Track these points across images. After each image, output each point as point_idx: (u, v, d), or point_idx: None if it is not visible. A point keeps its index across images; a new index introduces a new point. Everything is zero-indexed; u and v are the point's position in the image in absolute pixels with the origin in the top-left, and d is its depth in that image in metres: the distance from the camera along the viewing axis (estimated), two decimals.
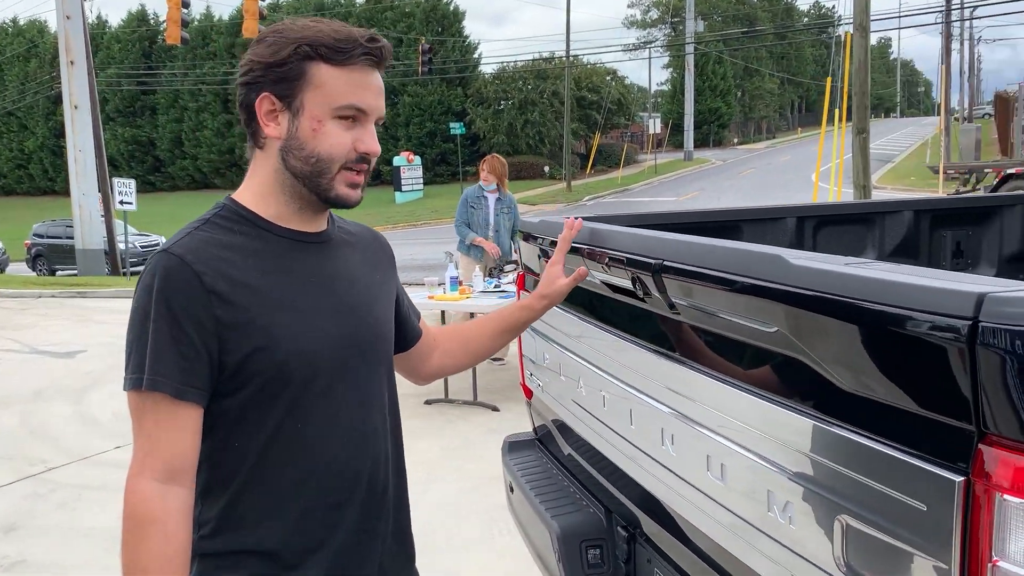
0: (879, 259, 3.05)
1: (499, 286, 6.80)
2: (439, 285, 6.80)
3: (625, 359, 1.91)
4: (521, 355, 2.76)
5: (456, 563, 3.91)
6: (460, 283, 6.60)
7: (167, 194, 44.54)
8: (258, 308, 1.33)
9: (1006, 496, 1.01)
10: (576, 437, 2.39)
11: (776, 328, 1.33)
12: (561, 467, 2.60)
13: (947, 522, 1.07)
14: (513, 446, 2.81)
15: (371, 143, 1.38)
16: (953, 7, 30.16)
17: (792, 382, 1.35)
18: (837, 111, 10.29)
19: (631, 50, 61.71)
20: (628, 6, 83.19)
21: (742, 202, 23.92)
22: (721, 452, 1.54)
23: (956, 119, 41.34)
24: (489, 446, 5.37)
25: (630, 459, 1.95)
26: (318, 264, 1.42)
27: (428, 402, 6.42)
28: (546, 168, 37.80)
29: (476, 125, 39.19)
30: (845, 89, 10.28)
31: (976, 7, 37.76)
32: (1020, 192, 3.16)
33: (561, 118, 36.09)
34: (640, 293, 1.73)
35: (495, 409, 6.19)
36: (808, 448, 1.30)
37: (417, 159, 32.52)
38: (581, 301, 2.23)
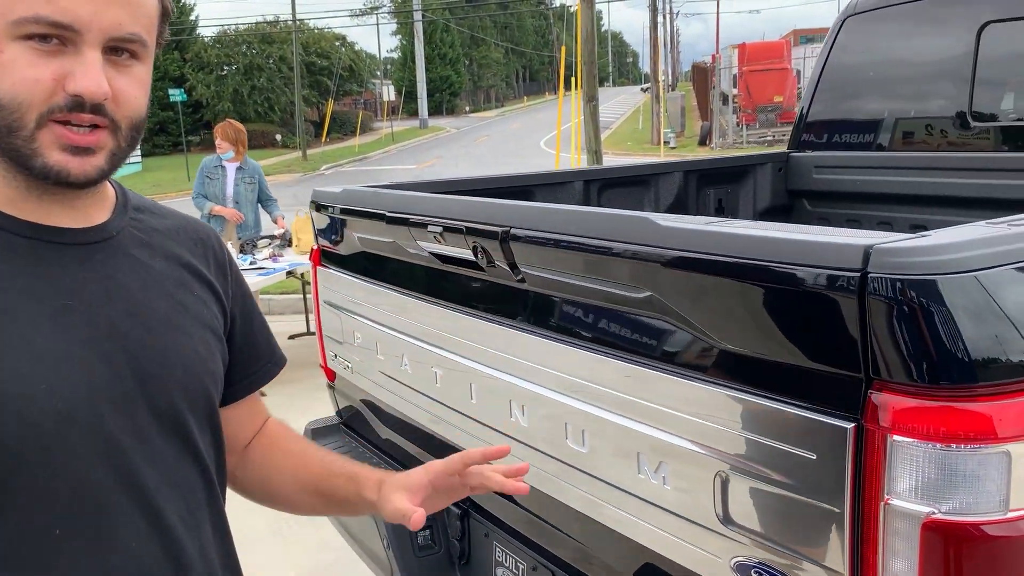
0: None
1: (255, 263, 6.40)
2: None
3: (461, 332, 1.83)
4: (321, 335, 2.59)
5: (244, 561, 3.64)
6: None
7: None
8: None
9: (896, 437, 1.07)
10: (395, 417, 2.28)
11: (648, 292, 1.32)
12: (375, 449, 2.48)
13: (839, 468, 1.11)
14: (317, 432, 2.64)
15: (86, 78, 0.86)
16: None
17: (665, 345, 1.34)
18: (573, 79, 10.79)
19: (358, 15, 60.67)
20: None
21: (481, 168, 24.52)
22: (581, 419, 1.52)
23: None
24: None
25: (468, 435, 1.88)
26: (80, 277, 0.93)
27: None
28: (278, 136, 36.25)
29: (198, 92, 36.57)
30: (579, 59, 10.78)
31: None
32: (771, 152, 3.45)
33: (291, 84, 34.66)
34: (483, 263, 1.65)
35: (262, 394, 5.82)
36: (683, 408, 1.31)
37: None
38: (400, 274, 2.11)
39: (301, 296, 7.82)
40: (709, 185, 3.36)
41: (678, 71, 64.13)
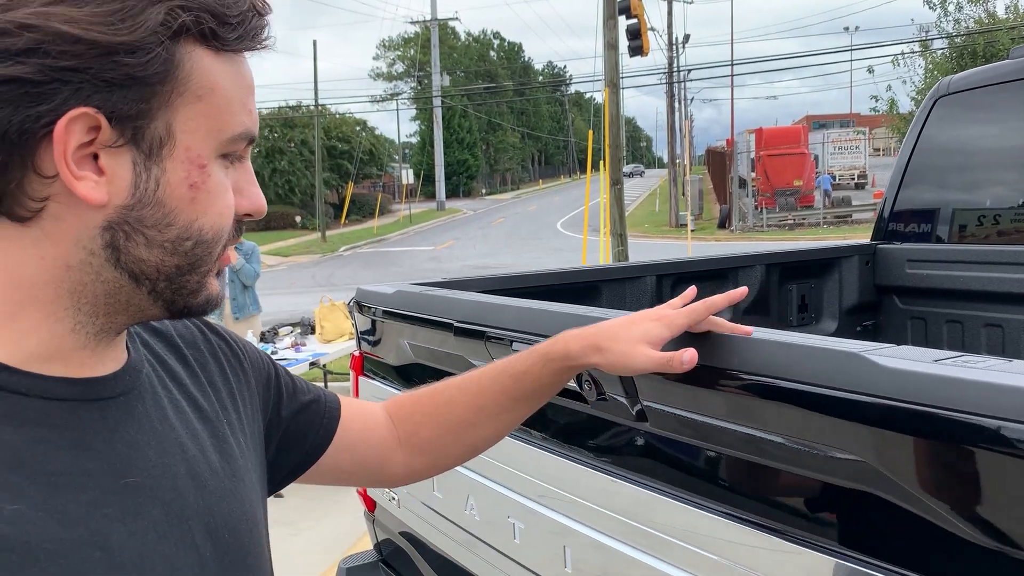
0: (736, 317, 2.84)
1: (276, 352, 6.06)
2: None
3: (552, 477, 1.45)
4: None
5: None
6: None
7: None
8: None
9: None
10: (453, 565, 1.87)
11: (854, 456, 0.94)
12: None
13: None
14: (352, 572, 2.23)
15: (258, 195, 0.77)
16: (673, 71, 33.20)
17: (881, 531, 0.96)
18: (590, 161, 10.63)
19: (379, 101, 61.95)
20: (373, 59, 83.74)
21: (495, 249, 24.39)
22: None
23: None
24: (280, 540, 4.62)
25: None
26: (132, 440, 0.72)
27: None
28: (298, 218, 36.47)
29: None
30: (606, 143, 10.63)
31: (691, 70, 42.01)
32: (857, 243, 3.11)
33: (311, 167, 35.08)
34: (589, 396, 1.28)
35: (278, 496, 5.41)
36: None
37: None
38: None
39: (322, 386, 7.46)
40: (791, 279, 3.00)
41: (692, 155, 64.88)
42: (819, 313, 3.10)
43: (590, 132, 10.22)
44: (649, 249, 21.72)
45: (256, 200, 0.75)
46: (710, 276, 2.83)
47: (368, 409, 1.06)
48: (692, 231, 26.30)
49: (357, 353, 2.20)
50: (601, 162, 10.47)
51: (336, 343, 6.37)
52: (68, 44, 0.62)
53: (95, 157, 0.65)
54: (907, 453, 0.89)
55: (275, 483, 0.98)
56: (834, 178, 32.84)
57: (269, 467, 0.95)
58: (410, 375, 1.97)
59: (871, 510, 0.95)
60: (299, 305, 12.40)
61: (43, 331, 0.68)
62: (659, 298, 2.69)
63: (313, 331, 6.60)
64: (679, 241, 24.04)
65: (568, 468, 1.41)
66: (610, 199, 13.17)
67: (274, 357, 5.89)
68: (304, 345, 6.24)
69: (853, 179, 35.33)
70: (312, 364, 5.92)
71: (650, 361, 0.98)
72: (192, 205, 0.69)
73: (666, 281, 2.71)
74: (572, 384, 1.32)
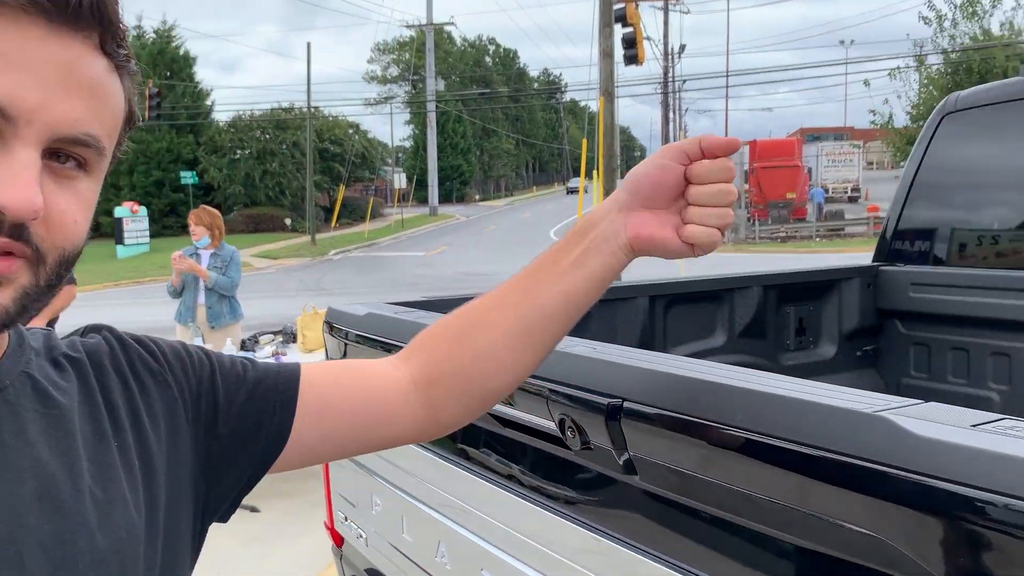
0: (731, 340, 2.71)
1: None
2: None
3: (530, 530, 1.30)
4: (328, 491, 2.06)
5: None
6: None
7: None
8: None
9: None
10: None
11: (870, 532, 0.80)
12: None
13: None
14: None
15: (10, 186, 0.61)
16: (668, 81, 33.20)
17: None
18: (584, 169, 10.52)
19: (372, 104, 61.80)
20: (368, 62, 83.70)
21: (489, 256, 24.24)
22: None
23: None
24: (255, 560, 4.46)
25: None
26: None
27: None
28: (288, 220, 36.29)
29: (210, 175, 36.81)
30: (600, 152, 10.53)
31: (686, 80, 42.09)
32: (858, 265, 2.98)
33: (302, 169, 34.90)
34: (573, 444, 1.14)
35: (254, 510, 5.24)
36: None
37: (143, 210, 29.74)
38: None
39: None
40: (789, 302, 2.87)
41: None
42: (817, 337, 2.97)
43: (584, 140, 10.11)
44: (641, 262, 21.58)
45: (1, 191, 0.60)
46: (705, 297, 2.69)
47: (357, 367, 0.94)
48: None
49: None
50: (595, 171, 10.36)
51: (318, 352, 6.21)
52: None
53: None
54: (938, 536, 0.75)
55: (249, 477, 0.86)
56: (827, 191, 32.86)
57: (236, 467, 0.84)
58: None
59: None
60: (286, 309, 12.22)
61: None
62: (652, 320, 2.56)
63: (295, 339, 6.45)
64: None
65: (548, 521, 1.26)
66: None
67: None
68: (285, 355, 6.08)
69: (846, 192, 35.36)
70: None
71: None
72: None
73: (659, 302, 2.58)
74: (550, 427, 1.18)
